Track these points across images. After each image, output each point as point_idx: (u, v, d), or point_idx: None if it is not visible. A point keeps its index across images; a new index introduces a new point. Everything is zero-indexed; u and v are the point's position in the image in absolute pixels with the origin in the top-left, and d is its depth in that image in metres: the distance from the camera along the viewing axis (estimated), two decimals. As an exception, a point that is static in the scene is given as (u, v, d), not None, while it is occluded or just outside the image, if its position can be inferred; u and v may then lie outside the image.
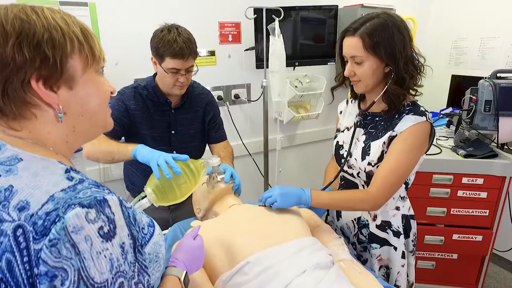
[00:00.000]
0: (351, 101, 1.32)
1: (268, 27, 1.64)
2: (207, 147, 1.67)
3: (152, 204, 1.00)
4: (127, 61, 1.92)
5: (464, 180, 1.78)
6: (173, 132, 1.49)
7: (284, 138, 2.62)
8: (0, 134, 0.57)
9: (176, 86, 1.38)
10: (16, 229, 0.48)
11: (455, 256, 1.93)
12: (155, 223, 0.68)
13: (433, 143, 1.15)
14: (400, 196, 1.20)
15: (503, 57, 2.56)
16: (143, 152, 1.19)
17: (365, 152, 1.15)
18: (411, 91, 1.12)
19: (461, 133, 1.92)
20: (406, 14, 2.64)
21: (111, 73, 1.86)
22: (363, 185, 1.21)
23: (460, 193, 1.81)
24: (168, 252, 1.05)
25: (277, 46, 1.63)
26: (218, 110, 1.63)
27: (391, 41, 1.03)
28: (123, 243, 0.53)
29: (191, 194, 1.29)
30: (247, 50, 2.21)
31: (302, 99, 2.46)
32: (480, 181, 1.77)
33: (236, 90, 2.35)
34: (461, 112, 1.93)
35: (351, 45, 1.07)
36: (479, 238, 1.85)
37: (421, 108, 1.10)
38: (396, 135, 1.09)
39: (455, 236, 1.86)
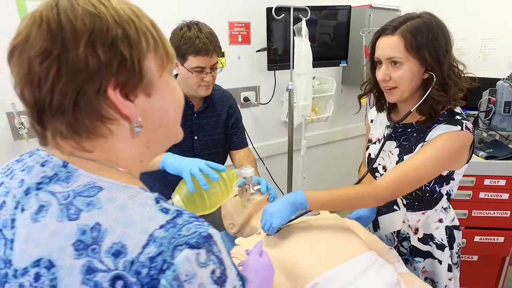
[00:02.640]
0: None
1: (294, 27, 1.57)
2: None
3: None
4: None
5: (487, 181, 1.77)
6: (196, 138, 1.40)
7: (294, 141, 2.55)
8: (67, 157, 0.46)
9: (201, 86, 1.29)
10: (114, 281, 0.38)
11: (475, 258, 1.92)
12: None
13: (473, 151, 1.06)
14: (442, 207, 1.13)
15: (505, 58, 2.60)
16: (172, 162, 1.10)
17: None
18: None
19: (479, 135, 1.92)
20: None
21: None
22: (400, 199, 1.14)
23: (481, 194, 1.80)
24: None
25: (303, 47, 1.56)
26: (240, 114, 1.54)
27: (435, 43, 0.95)
28: (234, 286, 0.44)
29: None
30: (259, 51, 2.13)
31: (312, 102, 2.40)
32: (502, 182, 1.77)
33: (245, 92, 2.27)
34: (478, 113, 1.92)
35: (390, 45, 0.98)
36: (501, 239, 1.84)
37: (457, 117, 1.00)
38: None
39: (476, 238, 1.84)
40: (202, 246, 0.40)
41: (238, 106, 2.21)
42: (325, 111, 2.45)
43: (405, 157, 1.07)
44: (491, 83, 1.87)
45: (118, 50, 0.42)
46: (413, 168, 1.00)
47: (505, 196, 1.78)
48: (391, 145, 1.13)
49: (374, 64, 1.07)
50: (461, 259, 1.91)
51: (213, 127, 1.43)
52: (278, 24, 2.00)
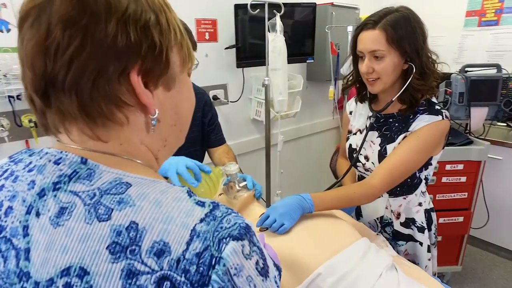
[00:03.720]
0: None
1: (268, 23, 1.57)
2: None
3: None
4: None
5: (447, 167, 1.91)
6: None
7: (260, 139, 2.56)
8: (84, 151, 0.41)
9: None
10: (161, 283, 0.34)
11: (439, 238, 2.06)
12: None
13: (448, 137, 1.15)
14: (421, 191, 1.20)
15: (451, 55, 2.84)
16: None
17: (382, 155, 1.12)
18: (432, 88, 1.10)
19: (438, 124, 2.06)
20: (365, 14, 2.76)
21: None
22: None
23: (444, 179, 1.94)
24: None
25: (278, 42, 1.57)
26: (215, 111, 1.51)
27: (413, 35, 1.01)
28: (275, 276, 0.42)
29: None
30: (227, 48, 2.11)
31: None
32: (460, 166, 1.92)
33: (214, 91, 2.23)
34: (436, 104, 2.06)
35: (372, 39, 1.02)
36: (460, 219, 2.00)
37: (437, 106, 1.07)
38: None
39: (441, 220, 1.98)
40: (245, 237, 0.38)
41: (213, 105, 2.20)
42: (293, 107, 2.48)
43: (388, 146, 1.11)
44: (445, 77, 2.02)
45: (150, 34, 0.39)
46: (400, 163, 1.05)
47: (463, 179, 1.94)
48: (373, 135, 1.17)
49: (356, 57, 1.10)
50: (428, 240, 2.07)
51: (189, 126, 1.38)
52: (247, 21, 1.99)
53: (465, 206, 2.00)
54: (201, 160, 1.49)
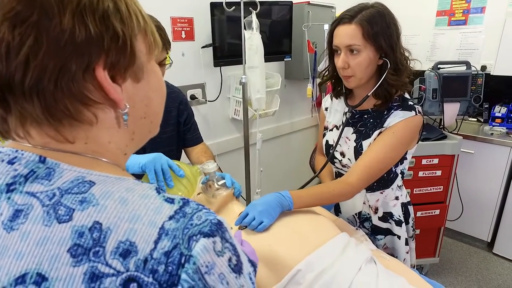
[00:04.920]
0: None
1: (244, 20, 1.55)
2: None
3: None
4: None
5: (424, 161, 1.96)
6: None
7: (239, 138, 2.54)
8: (42, 150, 0.38)
9: None
10: (127, 285, 0.32)
11: (417, 231, 2.10)
12: None
13: (422, 132, 1.17)
14: (397, 185, 1.21)
15: (424, 53, 2.92)
16: (133, 160, 1.02)
17: (358, 151, 1.13)
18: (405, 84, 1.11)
19: (413, 119, 2.11)
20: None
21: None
22: None
23: (420, 173, 1.98)
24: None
25: (254, 40, 1.55)
26: (191, 110, 1.48)
27: (388, 31, 1.02)
28: (249, 273, 0.41)
29: None
30: (204, 47, 2.08)
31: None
32: (435, 161, 1.97)
33: (192, 90, 2.20)
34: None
35: (348, 34, 1.02)
36: (437, 212, 2.05)
37: (410, 102, 1.09)
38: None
39: (418, 214, 2.03)
40: (217, 233, 0.37)
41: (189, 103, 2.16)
42: (272, 105, 2.48)
43: (363, 142, 1.12)
44: (419, 74, 2.07)
45: (110, 24, 0.37)
46: (377, 160, 1.06)
47: (438, 173, 1.99)
48: (348, 131, 1.18)
49: (332, 52, 1.11)
50: (406, 234, 2.11)
51: (163, 125, 1.34)
52: (223, 19, 1.97)
53: (441, 199, 2.06)
54: (177, 160, 1.46)
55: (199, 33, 2.12)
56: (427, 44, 2.88)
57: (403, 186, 1.27)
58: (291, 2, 2.17)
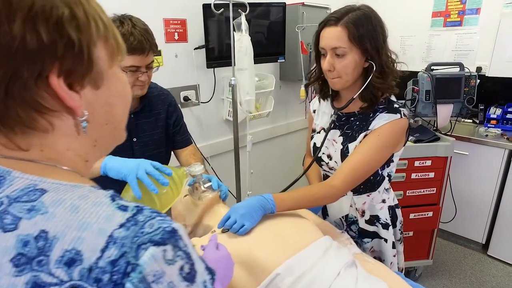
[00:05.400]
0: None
1: (233, 22, 1.55)
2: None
3: None
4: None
5: (416, 163, 1.95)
6: (134, 139, 1.31)
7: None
8: None
9: (136, 86, 1.21)
10: None
11: (411, 233, 2.10)
12: None
13: (409, 134, 1.17)
14: (384, 188, 1.21)
15: (419, 53, 2.91)
16: (115, 166, 1.01)
17: (344, 154, 1.13)
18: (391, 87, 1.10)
19: (406, 121, 2.10)
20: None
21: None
22: None
23: (413, 175, 1.98)
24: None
25: (244, 42, 1.55)
26: (180, 112, 1.48)
27: (374, 34, 1.01)
28: (205, 281, 0.41)
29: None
30: (197, 48, 2.08)
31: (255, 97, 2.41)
32: (428, 162, 1.96)
33: (185, 91, 2.20)
34: (405, 102, 2.10)
35: (334, 36, 1.01)
36: (430, 214, 2.04)
37: (395, 105, 1.08)
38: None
39: (411, 216, 2.02)
40: (168, 242, 0.37)
41: (179, 105, 2.16)
42: (266, 107, 2.48)
43: (349, 145, 1.12)
44: (413, 75, 2.07)
45: (65, 32, 0.36)
46: (362, 162, 1.05)
47: (432, 174, 1.99)
48: (335, 133, 1.18)
49: (318, 54, 1.10)
50: (399, 236, 2.11)
51: (152, 127, 1.36)
52: (216, 20, 1.97)
53: (434, 201, 2.05)
54: (166, 162, 1.46)
55: (193, 34, 2.12)
56: (423, 45, 2.87)
57: (391, 189, 1.26)
58: (284, 3, 2.16)
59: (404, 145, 1.15)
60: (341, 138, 1.16)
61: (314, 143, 1.26)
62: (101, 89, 0.42)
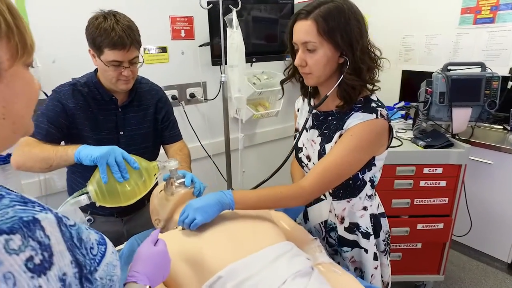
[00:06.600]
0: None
1: (225, 18, 1.53)
2: (162, 151, 1.52)
3: (93, 202, 0.93)
4: (66, 58, 1.71)
5: (425, 170, 1.81)
6: (121, 133, 1.33)
7: (244, 138, 2.52)
8: None
9: (120, 81, 1.22)
10: None
11: (419, 245, 1.96)
12: (106, 239, 0.55)
13: (392, 137, 1.07)
14: (366, 195, 1.12)
15: (446, 53, 2.71)
16: (89, 151, 1.03)
17: (321, 155, 1.06)
18: (368, 85, 1.03)
19: (419, 125, 1.96)
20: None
21: (48, 72, 1.67)
22: (329, 192, 1.13)
23: (422, 183, 1.84)
24: (124, 272, 0.91)
25: (235, 38, 1.53)
26: (171, 107, 1.49)
27: (347, 27, 0.94)
28: (64, 274, 0.40)
29: (146, 200, 1.16)
30: (201, 46, 2.09)
31: (261, 97, 2.38)
32: (439, 170, 1.81)
33: (191, 88, 2.22)
34: (418, 104, 1.96)
35: (303, 30, 0.96)
36: (441, 225, 1.89)
37: (373, 104, 1.00)
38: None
39: (419, 226, 1.88)
40: (18, 231, 0.36)
41: (183, 103, 2.18)
42: (275, 105, 2.43)
43: (326, 146, 1.05)
44: (426, 76, 1.93)
45: None
46: (334, 164, 0.99)
47: (443, 183, 1.83)
48: (314, 133, 1.12)
49: (293, 49, 1.05)
50: (406, 247, 1.97)
51: (140, 122, 1.37)
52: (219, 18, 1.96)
53: (446, 212, 1.89)
54: (154, 157, 1.47)
55: (199, 32, 2.13)
56: (449, 44, 2.66)
57: (375, 196, 1.17)
58: (292, 1, 2.11)
59: (386, 148, 1.07)
60: (319, 139, 1.09)
61: (296, 144, 1.20)
62: None
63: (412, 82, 2.73)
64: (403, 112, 2.50)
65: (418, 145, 1.88)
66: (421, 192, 1.86)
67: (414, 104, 2.10)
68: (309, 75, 1.02)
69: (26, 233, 0.36)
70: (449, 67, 1.89)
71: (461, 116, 1.85)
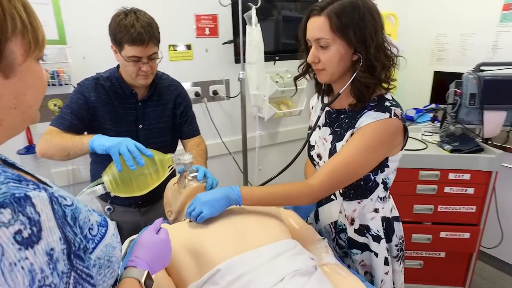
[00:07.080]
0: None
1: (244, 15, 1.54)
2: (180, 147, 1.55)
3: (109, 192, 0.96)
4: (95, 54, 1.80)
5: (451, 176, 1.72)
6: (140, 126, 1.38)
7: (265, 136, 2.52)
8: None
9: (140, 76, 1.27)
10: None
11: (442, 254, 1.87)
12: (109, 221, 0.58)
13: (407, 139, 1.03)
14: (378, 197, 1.08)
15: (483, 53, 2.54)
16: (102, 141, 1.08)
17: (332, 154, 1.04)
18: (383, 84, 1.00)
19: (447, 128, 1.87)
20: (386, 9, 2.59)
21: (79, 68, 1.76)
22: (339, 192, 1.11)
23: (447, 189, 1.75)
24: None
25: (254, 35, 1.53)
26: (190, 103, 1.52)
27: (361, 23, 0.91)
28: (52, 249, 0.42)
29: (161, 193, 1.20)
30: (225, 43, 2.11)
31: (283, 95, 2.37)
32: (467, 176, 1.71)
33: (214, 86, 2.25)
34: (446, 106, 1.87)
35: (316, 26, 0.94)
36: (467, 235, 1.79)
37: (387, 103, 0.97)
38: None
39: (442, 234, 1.79)
40: (8, 206, 0.39)
41: (206, 99, 2.21)
42: (298, 105, 2.41)
43: (337, 144, 1.03)
44: (455, 76, 1.83)
45: None
46: (344, 164, 0.97)
47: (470, 190, 1.73)
48: (326, 131, 1.10)
49: (307, 45, 1.04)
50: (428, 255, 1.88)
51: (159, 116, 1.41)
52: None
53: (473, 221, 1.79)
54: (172, 151, 1.51)
55: (223, 29, 2.15)
56: (488, 44, 2.50)
57: (389, 199, 1.13)
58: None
59: (401, 149, 1.03)
60: (330, 137, 1.08)
61: (309, 141, 1.19)
62: (12, 79, 0.47)
63: (444, 83, 2.57)
64: (431, 115, 2.39)
65: (444, 149, 1.79)
66: (446, 199, 1.77)
67: (443, 106, 2.00)
68: (322, 72, 1.00)
69: (16, 208, 0.39)
70: (481, 67, 1.78)
71: (494, 120, 1.74)
